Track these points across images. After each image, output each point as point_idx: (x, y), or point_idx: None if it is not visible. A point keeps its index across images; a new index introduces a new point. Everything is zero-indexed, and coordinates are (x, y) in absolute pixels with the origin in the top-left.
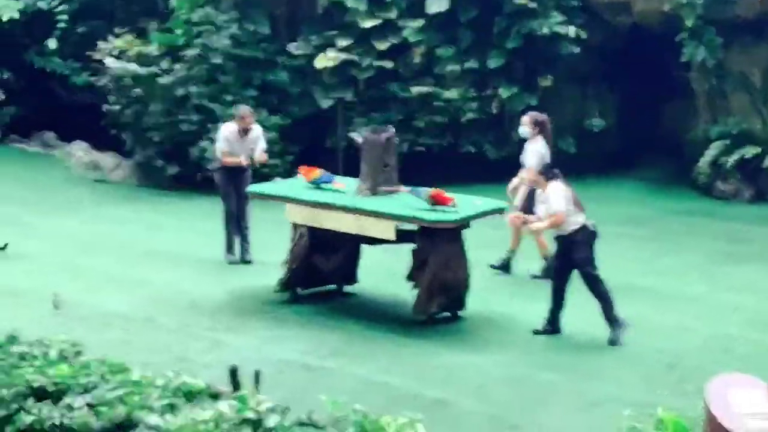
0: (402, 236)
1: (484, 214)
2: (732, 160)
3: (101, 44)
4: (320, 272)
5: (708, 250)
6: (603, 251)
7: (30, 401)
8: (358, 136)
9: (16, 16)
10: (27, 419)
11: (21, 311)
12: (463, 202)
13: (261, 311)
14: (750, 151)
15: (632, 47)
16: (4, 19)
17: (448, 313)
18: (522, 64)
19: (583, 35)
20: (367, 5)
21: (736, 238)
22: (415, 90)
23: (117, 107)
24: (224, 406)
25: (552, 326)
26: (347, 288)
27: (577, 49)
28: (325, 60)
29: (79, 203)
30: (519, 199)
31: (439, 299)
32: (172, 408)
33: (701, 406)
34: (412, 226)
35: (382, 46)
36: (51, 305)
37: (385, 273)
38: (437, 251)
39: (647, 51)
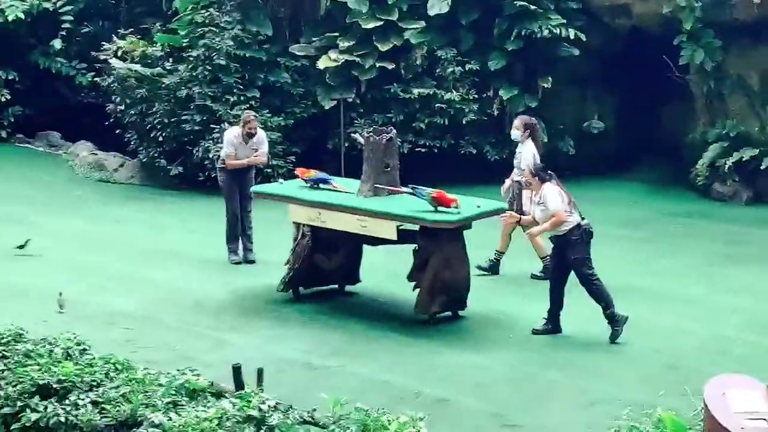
0: (404, 236)
1: (485, 214)
2: (730, 162)
3: (106, 45)
4: (322, 272)
5: (706, 252)
6: (602, 252)
7: (35, 399)
8: (359, 137)
9: (22, 16)
10: (32, 416)
11: (26, 310)
12: (463, 203)
13: (264, 310)
14: (748, 153)
15: (631, 50)
16: (10, 19)
17: (449, 313)
18: (522, 65)
19: (583, 37)
20: (368, 7)
21: (733, 239)
22: (417, 91)
23: (121, 107)
24: (227, 404)
25: (552, 325)
26: (349, 287)
27: (576, 52)
28: (328, 61)
29: (84, 203)
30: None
31: (441, 299)
32: (175, 406)
33: (699, 406)
34: (414, 227)
35: (383, 47)
36: (56, 304)
37: (386, 273)
38: (439, 251)
39: (646, 54)
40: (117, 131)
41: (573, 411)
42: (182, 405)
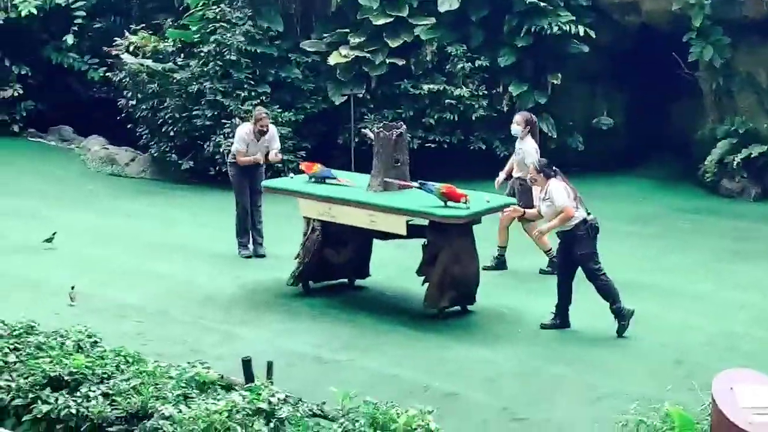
0: (413, 231)
1: (494, 209)
2: (738, 158)
3: (118, 40)
4: (332, 266)
5: (714, 248)
6: (610, 248)
7: (47, 391)
8: (370, 132)
9: (34, 11)
10: (44, 408)
11: (38, 303)
12: (473, 199)
13: (274, 304)
14: (756, 150)
15: (641, 47)
16: (23, 14)
17: (458, 308)
18: (532, 62)
19: (593, 34)
20: (379, 3)
21: (742, 236)
22: (426, 87)
23: (133, 102)
24: (237, 397)
25: (560, 320)
26: (359, 282)
27: (586, 48)
28: (338, 57)
29: (95, 197)
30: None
31: (450, 294)
32: (186, 398)
33: (707, 401)
34: (423, 221)
35: (394, 43)
36: (67, 297)
37: (396, 267)
38: (448, 246)
39: (655, 50)
40: (128, 126)
41: (581, 405)
42: (192, 397)
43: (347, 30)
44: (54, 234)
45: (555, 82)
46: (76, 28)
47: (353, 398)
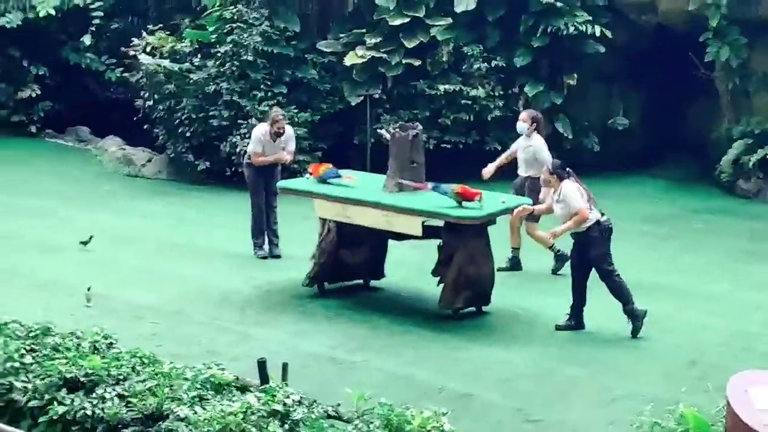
0: (428, 232)
1: (509, 210)
2: (754, 159)
3: (135, 41)
4: (348, 267)
5: (730, 249)
6: (626, 249)
7: (63, 392)
8: (385, 133)
9: (53, 12)
10: (60, 410)
11: (55, 303)
12: (488, 199)
13: (289, 305)
14: None
15: (657, 47)
16: (41, 15)
17: (473, 308)
18: (548, 62)
19: (609, 34)
20: (396, 3)
21: (758, 236)
22: (442, 87)
23: (149, 103)
24: (252, 399)
25: (575, 321)
26: (374, 283)
27: (602, 49)
28: (355, 57)
29: (112, 197)
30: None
31: (465, 294)
32: (201, 400)
33: (722, 402)
34: (439, 222)
35: (410, 44)
36: (84, 298)
37: (411, 268)
38: (463, 247)
39: (672, 51)
40: (145, 126)
41: (595, 407)
42: (208, 399)
43: (364, 30)
44: (91, 237)
45: (571, 82)
46: (93, 29)
47: (368, 400)
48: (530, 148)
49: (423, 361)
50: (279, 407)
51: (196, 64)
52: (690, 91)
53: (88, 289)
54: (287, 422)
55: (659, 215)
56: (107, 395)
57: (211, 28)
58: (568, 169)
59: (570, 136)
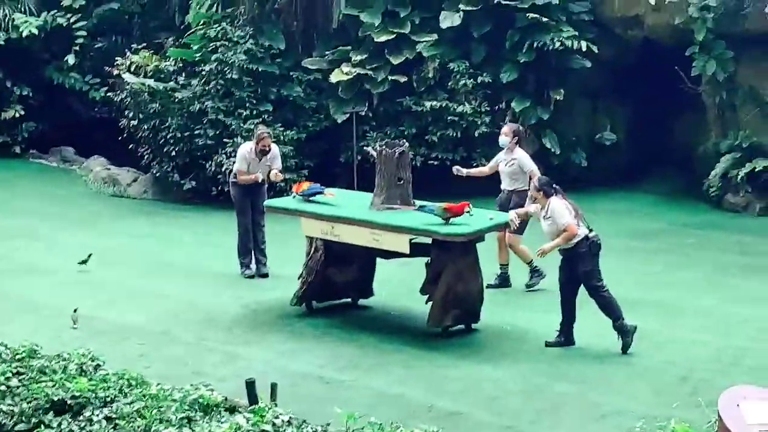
0: (416, 249)
1: (498, 227)
2: (742, 173)
3: (119, 60)
4: (335, 285)
5: (719, 263)
6: (614, 264)
7: (50, 415)
8: (372, 150)
9: (35, 32)
10: None
11: (40, 325)
12: (476, 216)
13: (277, 324)
14: (760, 164)
15: (643, 61)
16: (24, 35)
17: (462, 326)
18: (534, 77)
19: (595, 49)
20: (381, 20)
21: (746, 250)
22: (429, 104)
23: (134, 122)
24: (241, 419)
25: (564, 338)
26: (362, 301)
27: (588, 63)
28: (340, 74)
29: (97, 217)
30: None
31: (454, 312)
32: (189, 421)
33: (713, 417)
34: (427, 240)
35: (396, 60)
36: (70, 320)
37: (399, 286)
38: (451, 264)
39: (658, 65)
40: (130, 146)
41: (586, 423)
42: (196, 420)
43: (349, 47)
44: (89, 256)
45: (557, 97)
46: (77, 48)
47: (358, 419)
48: (514, 161)
49: (412, 380)
50: (268, 428)
51: (181, 82)
52: (676, 105)
53: (75, 311)
54: None
55: (647, 230)
56: (95, 418)
57: (195, 47)
58: (555, 185)
59: (557, 152)
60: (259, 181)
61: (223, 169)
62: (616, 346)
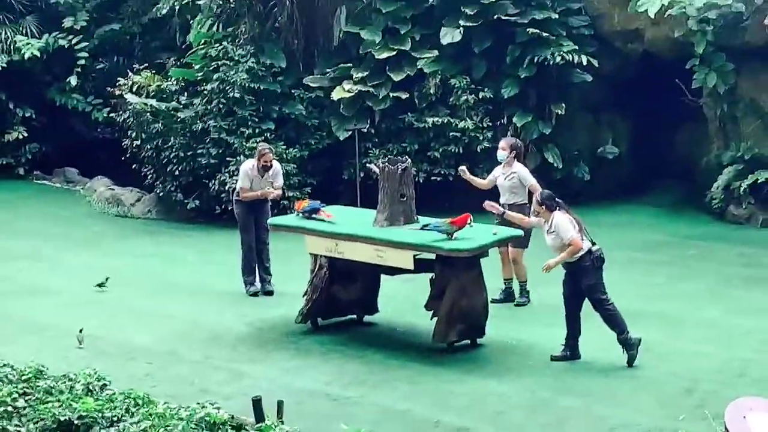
0: (421, 265)
1: (501, 242)
2: (745, 184)
3: (121, 80)
4: (340, 302)
5: (722, 275)
6: (617, 277)
7: None
8: (375, 167)
9: (37, 54)
10: None
11: (46, 346)
12: (480, 231)
13: (282, 342)
14: (763, 176)
15: (644, 74)
16: (26, 57)
17: (467, 341)
18: (535, 92)
19: (595, 63)
20: (381, 37)
21: (749, 262)
22: (430, 120)
23: (137, 142)
24: None
25: (570, 352)
26: (368, 318)
27: (589, 77)
28: (342, 92)
29: (102, 238)
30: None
31: (459, 327)
32: None
33: (720, 429)
34: (431, 255)
35: (397, 77)
36: (76, 340)
37: (404, 302)
38: (456, 280)
39: (659, 78)
40: (133, 166)
41: None
42: None
43: (350, 65)
44: (107, 279)
45: (559, 112)
46: (79, 69)
47: None
48: (514, 175)
49: (418, 396)
50: None
51: (183, 102)
52: (678, 117)
53: (80, 331)
54: None
55: (651, 242)
56: None
57: (197, 66)
58: (557, 199)
59: (560, 166)
60: (265, 197)
61: (226, 188)
62: (621, 360)
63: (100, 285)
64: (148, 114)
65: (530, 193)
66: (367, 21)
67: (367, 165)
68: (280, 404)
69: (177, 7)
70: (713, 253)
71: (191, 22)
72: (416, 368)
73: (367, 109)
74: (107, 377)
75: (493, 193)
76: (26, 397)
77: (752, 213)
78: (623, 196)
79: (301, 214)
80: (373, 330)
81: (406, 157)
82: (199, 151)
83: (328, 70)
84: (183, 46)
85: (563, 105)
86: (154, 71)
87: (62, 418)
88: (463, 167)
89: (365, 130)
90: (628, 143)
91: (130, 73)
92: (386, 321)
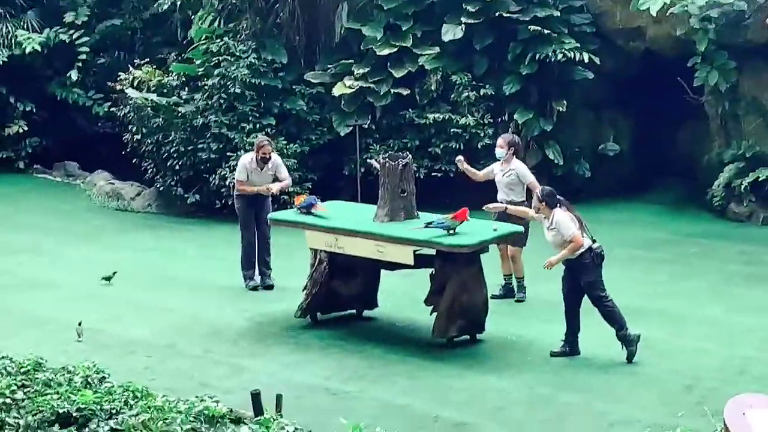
0: (421, 261)
1: (502, 238)
2: (746, 182)
3: (122, 75)
4: (340, 297)
5: (723, 272)
6: (618, 274)
7: (55, 427)
8: (375, 163)
9: (38, 48)
10: None
11: (46, 339)
12: (480, 227)
13: (282, 336)
14: (764, 174)
15: (646, 72)
16: (27, 51)
17: (467, 336)
18: (537, 89)
19: (597, 61)
20: (383, 33)
21: (751, 260)
22: (431, 116)
23: (138, 137)
24: (247, 431)
25: (570, 348)
26: (367, 312)
27: (591, 75)
28: (343, 88)
29: (102, 232)
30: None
31: (459, 322)
32: None
33: (720, 426)
34: (431, 251)
35: (398, 73)
36: (75, 333)
37: (404, 297)
38: (456, 275)
39: (660, 76)
40: (134, 160)
41: None
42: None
43: (351, 61)
44: (114, 273)
45: (560, 109)
46: (80, 64)
47: (363, 430)
48: (512, 171)
49: (418, 391)
50: None
51: (184, 97)
52: (679, 115)
53: (79, 324)
54: None
55: (652, 240)
56: (100, 430)
57: (198, 61)
58: (558, 196)
59: (561, 163)
60: (263, 193)
61: (226, 183)
62: (621, 356)
63: (107, 279)
64: (149, 109)
65: (529, 191)
66: (368, 17)
67: (368, 161)
68: (278, 398)
69: (178, 3)
70: (714, 251)
71: (192, 17)
72: (416, 363)
73: (368, 105)
74: (106, 370)
75: (491, 192)
76: (25, 390)
77: (753, 211)
78: (624, 193)
79: (298, 210)
80: (373, 325)
81: (407, 153)
82: (200, 146)
83: (329, 66)
84: (184, 42)
85: (564, 102)
86: (155, 66)
87: (61, 411)
88: (461, 157)
89: (366, 126)
90: (629, 141)
91: (131, 68)
92: (386, 316)
